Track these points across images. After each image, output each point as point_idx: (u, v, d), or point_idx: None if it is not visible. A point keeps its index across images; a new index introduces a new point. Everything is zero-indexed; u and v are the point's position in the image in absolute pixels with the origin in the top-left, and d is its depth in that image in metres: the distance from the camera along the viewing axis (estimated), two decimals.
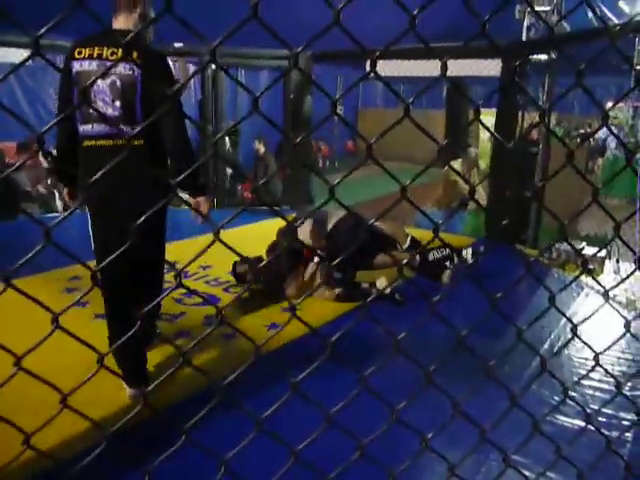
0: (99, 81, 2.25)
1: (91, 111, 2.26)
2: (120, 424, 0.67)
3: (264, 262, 3.37)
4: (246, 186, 8.46)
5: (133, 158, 2.02)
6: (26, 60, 0.60)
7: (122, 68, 2.27)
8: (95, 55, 2.30)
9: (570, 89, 0.80)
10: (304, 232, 3.57)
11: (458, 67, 5.64)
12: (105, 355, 0.66)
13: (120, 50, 2.27)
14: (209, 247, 0.64)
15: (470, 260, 3.80)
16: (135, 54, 2.25)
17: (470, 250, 3.89)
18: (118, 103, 2.31)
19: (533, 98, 4.39)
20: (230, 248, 0.64)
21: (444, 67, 0.65)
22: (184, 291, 3.65)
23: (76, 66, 2.31)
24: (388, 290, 3.49)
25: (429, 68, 6.54)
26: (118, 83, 2.30)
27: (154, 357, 2.68)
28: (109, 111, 2.29)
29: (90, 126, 2.31)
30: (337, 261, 0.83)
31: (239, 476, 0.73)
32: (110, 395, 2.31)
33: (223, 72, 0.70)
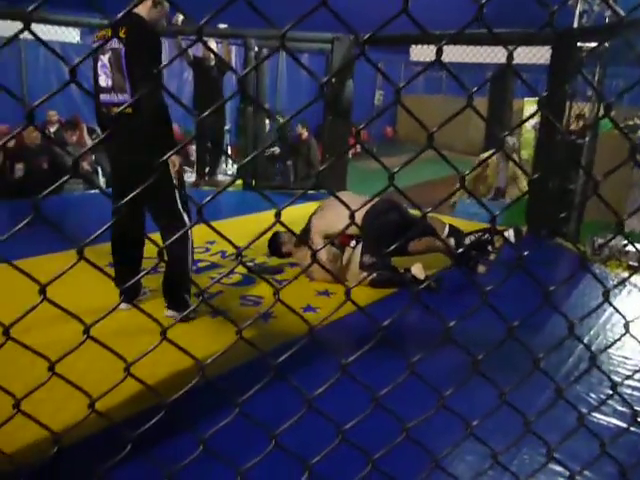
0: (102, 57, 2.63)
1: (98, 83, 2.69)
2: (179, 394, 0.71)
3: (321, 246, 3.48)
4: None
5: (125, 124, 2.57)
6: (107, 42, 0.63)
7: (114, 44, 2.57)
8: (101, 36, 2.68)
9: None
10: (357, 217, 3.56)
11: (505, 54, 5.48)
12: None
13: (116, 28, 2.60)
14: (272, 227, 0.66)
15: (513, 240, 3.65)
16: (123, 30, 2.53)
17: (512, 231, 3.74)
18: (112, 75, 2.65)
19: (599, 90, 4.23)
20: (289, 230, 0.66)
21: (510, 56, 0.65)
22: (222, 270, 3.72)
23: (94, 46, 2.82)
24: (423, 276, 3.48)
25: (467, 55, 6.41)
26: (112, 57, 2.62)
27: (196, 328, 2.78)
28: (108, 82, 2.67)
29: (100, 96, 2.72)
30: (393, 247, 0.83)
31: (288, 450, 0.76)
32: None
33: (290, 56, 0.72)
